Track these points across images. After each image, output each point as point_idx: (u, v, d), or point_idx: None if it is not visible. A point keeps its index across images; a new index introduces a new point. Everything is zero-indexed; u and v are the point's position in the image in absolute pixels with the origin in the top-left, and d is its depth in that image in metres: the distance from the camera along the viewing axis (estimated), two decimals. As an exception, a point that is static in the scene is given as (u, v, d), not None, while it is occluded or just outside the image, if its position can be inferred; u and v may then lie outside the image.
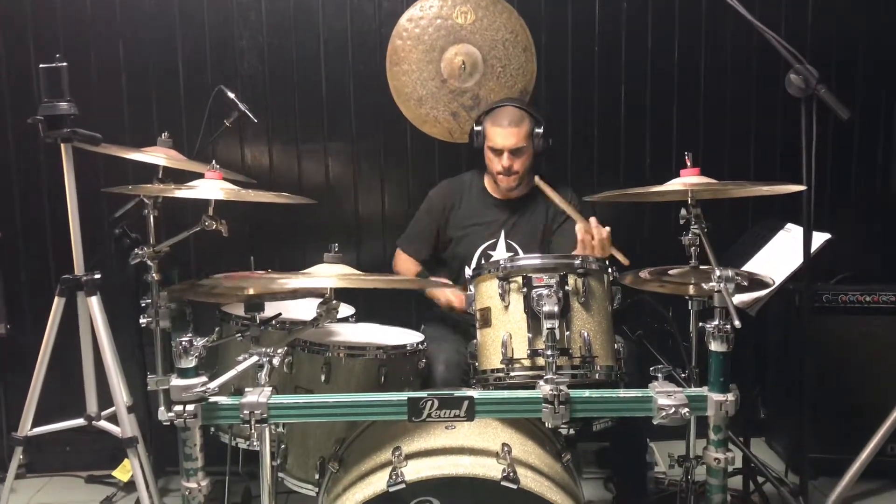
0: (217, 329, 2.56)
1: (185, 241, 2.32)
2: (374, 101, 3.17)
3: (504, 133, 2.55)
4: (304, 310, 2.33)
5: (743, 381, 1.65)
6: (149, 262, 2.17)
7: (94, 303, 1.75)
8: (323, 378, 2.07)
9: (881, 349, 2.96)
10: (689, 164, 1.88)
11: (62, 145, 1.73)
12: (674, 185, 1.87)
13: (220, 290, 2.12)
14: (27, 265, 3.12)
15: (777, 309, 3.02)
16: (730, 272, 1.57)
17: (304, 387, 2.15)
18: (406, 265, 2.79)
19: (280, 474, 2.19)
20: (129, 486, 3.03)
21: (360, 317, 2.59)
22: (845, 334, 2.98)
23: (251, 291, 2.10)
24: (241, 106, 2.70)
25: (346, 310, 2.65)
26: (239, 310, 2.31)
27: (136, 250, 2.13)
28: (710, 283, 1.60)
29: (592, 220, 2.23)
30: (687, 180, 1.86)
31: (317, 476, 2.08)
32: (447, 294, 2.50)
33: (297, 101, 3.16)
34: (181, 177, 2.51)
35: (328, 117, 3.19)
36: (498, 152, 2.57)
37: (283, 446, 2.19)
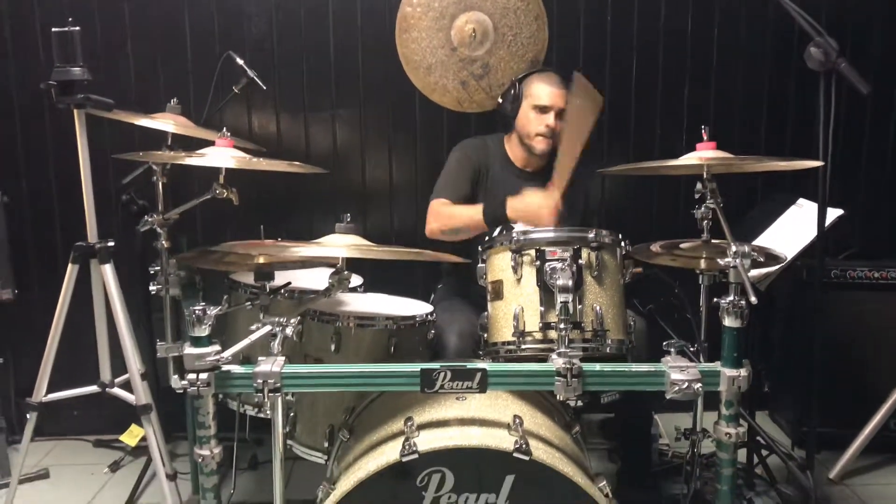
0: (226, 297, 2.56)
1: (192, 210, 2.31)
2: (383, 69, 3.13)
3: (554, 93, 2.54)
4: (313, 279, 2.33)
5: (747, 355, 1.64)
6: (158, 230, 2.16)
7: (108, 270, 1.75)
8: (333, 347, 2.07)
9: (888, 326, 2.96)
10: (705, 137, 1.86)
11: (75, 111, 1.71)
12: (690, 158, 1.86)
13: (231, 258, 2.12)
14: (34, 231, 3.12)
15: (784, 283, 3.01)
16: (746, 248, 1.57)
17: (314, 356, 2.15)
18: (449, 209, 2.57)
19: (289, 441, 2.21)
20: (137, 451, 3.08)
21: (367, 287, 2.59)
22: (853, 310, 2.98)
23: (262, 260, 2.09)
24: (249, 72, 2.68)
25: (354, 280, 2.64)
26: (248, 278, 2.31)
27: (146, 217, 2.12)
28: (726, 259, 1.59)
29: None
30: (703, 154, 1.84)
31: (326, 444, 2.09)
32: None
33: (305, 69, 3.13)
34: (189, 144, 2.49)
35: (336, 85, 3.16)
36: (545, 110, 2.54)
37: (291, 414, 2.20)
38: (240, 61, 2.67)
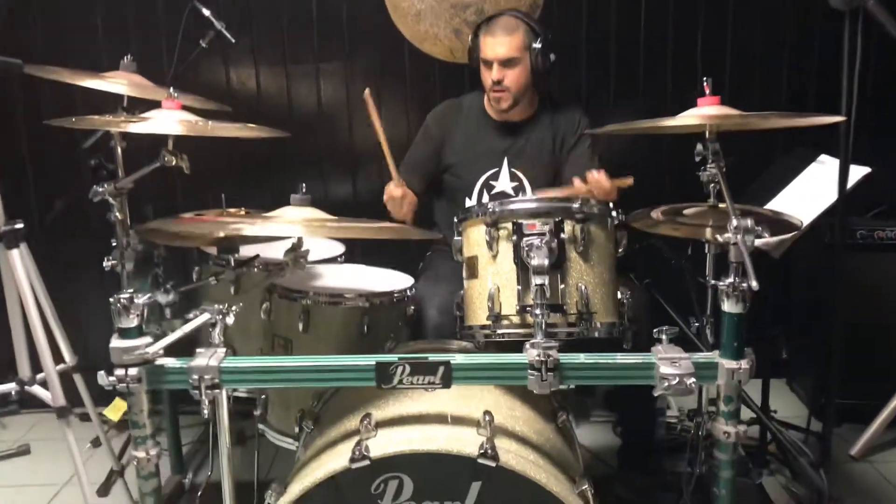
0: (196, 269, 2.41)
1: (160, 176, 2.13)
2: (369, 17, 2.90)
3: (494, 42, 2.30)
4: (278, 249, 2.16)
5: (764, 319, 1.44)
6: (111, 200, 1.98)
7: (16, 256, 1.57)
8: (301, 327, 1.91)
9: (919, 291, 2.73)
10: (707, 91, 1.62)
11: None
12: (688, 116, 1.62)
13: (186, 232, 1.94)
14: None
15: (805, 244, 2.77)
16: (748, 222, 1.35)
17: (283, 335, 2.00)
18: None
19: (260, 426, 2.08)
20: (121, 425, 2.98)
21: (351, 256, 2.41)
22: (880, 273, 2.75)
23: (220, 235, 1.91)
24: (216, 24, 2.45)
25: (336, 248, 2.47)
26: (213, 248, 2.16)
27: (96, 187, 1.94)
28: (726, 235, 1.38)
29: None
30: (704, 111, 1.60)
31: (296, 429, 1.94)
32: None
33: (285, 18, 2.91)
34: (151, 104, 2.30)
35: (319, 35, 2.93)
36: (488, 64, 2.33)
37: (263, 396, 2.06)
38: (206, 12, 2.44)
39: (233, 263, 1.98)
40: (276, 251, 2.10)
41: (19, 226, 1.62)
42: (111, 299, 1.38)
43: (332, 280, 2.13)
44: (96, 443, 2.88)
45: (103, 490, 2.53)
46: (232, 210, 2.21)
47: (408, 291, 2.05)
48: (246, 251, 2.00)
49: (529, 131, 2.45)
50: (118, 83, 2.05)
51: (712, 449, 1.49)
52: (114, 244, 2.04)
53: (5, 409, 3.10)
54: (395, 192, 2.22)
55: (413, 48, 2.94)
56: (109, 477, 2.58)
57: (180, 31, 2.50)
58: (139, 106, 2.21)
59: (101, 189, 1.96)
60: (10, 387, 1.69)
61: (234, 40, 2.48)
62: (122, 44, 2.80)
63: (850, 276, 2.67)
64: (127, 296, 1.37)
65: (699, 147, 1.61)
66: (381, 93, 2.98)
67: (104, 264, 1.99)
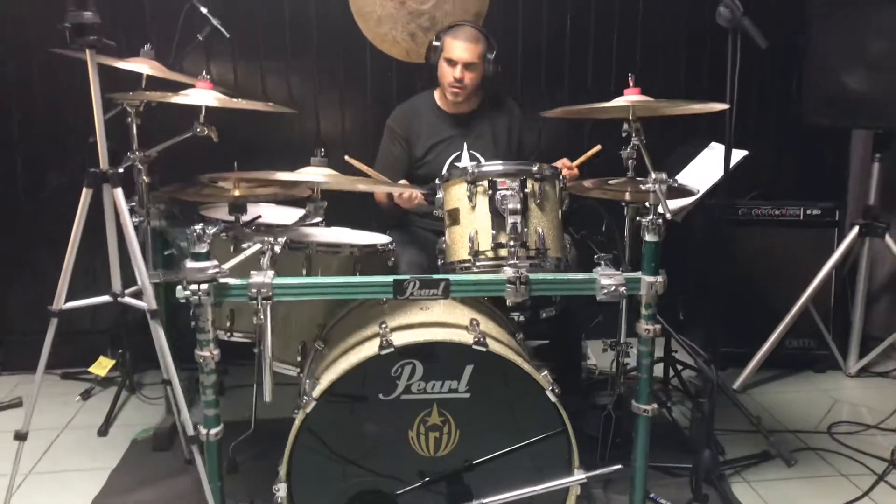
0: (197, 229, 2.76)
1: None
2: (336, 20, 3.33)
3: (461, 46, 2.79)
4: (279, 216, 2.55)
5: (668, 291, 1.96)
6: (139, 166, 2.35)
7: (119, 193, 1.93)
8: (304, 272, 2.31)
9: (787, 257, 3.40)
10: (631, 83, 2.16)
11: (87, 52, 1.83)
12: (619, 101, 2.15)
13: (208, 191, 2.31)
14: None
15: (698, 222, 3.40)
16: (663, 175, 1.88)
17: (287, 280, 2.39)
18: (382, 196, 2.96)
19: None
20: (105, 381, 3.26)
21: (330, 221, 2.82)
22: (756, 244, 3.41)
23: (237, 193, 2.30)
24: (213, 21, 2.82)
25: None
26: (217, 213, 2.52)
27: (128, 153, 2.29)
28: (647, 185, 1.91)
29: (564, 160, 2.63)
30: (629, 98, 2.14)
31: (298, 358, 2.34)
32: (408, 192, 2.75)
33: (261, 19, 3.30)
34: (160, 88, 2.64)
35: (291, 34, 3.33)
36: (453, 63, 2.81)
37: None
38: (203, 10, 2.81)
39: (240, 222, 2.38)
40: (271, 218, 2.50)
41: (121, 170, 1.97)
42: (188, 230, 1.77)
43: (325, 236, 2.54)
44: (86, 395, 3.18)
45: (103, 430, 2.85)
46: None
47: (389, 245, 2.49)
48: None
49: (478, 119, 2.97)
50: (144, 66, 2.40)
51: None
52: (132, 205, 2.40)
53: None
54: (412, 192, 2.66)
55: (374, 49, 3.39)
56: (108, 417, 2.90)
57: (179, 25, 2.85)
58: (151, 87, 2.57)
59: (132, 155, 2.32)
60: (105, 298, 2.01)
61: (227, 35, 2.86)
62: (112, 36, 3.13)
63: (733, 246, 3.32)
64: (200, 227, 1.77)
65: (625, 126, 2.14)
66: (343, 88, 3.42)
67: (133, 220, 2.35)
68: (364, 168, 2.64)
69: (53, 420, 2.95)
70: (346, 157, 2.61)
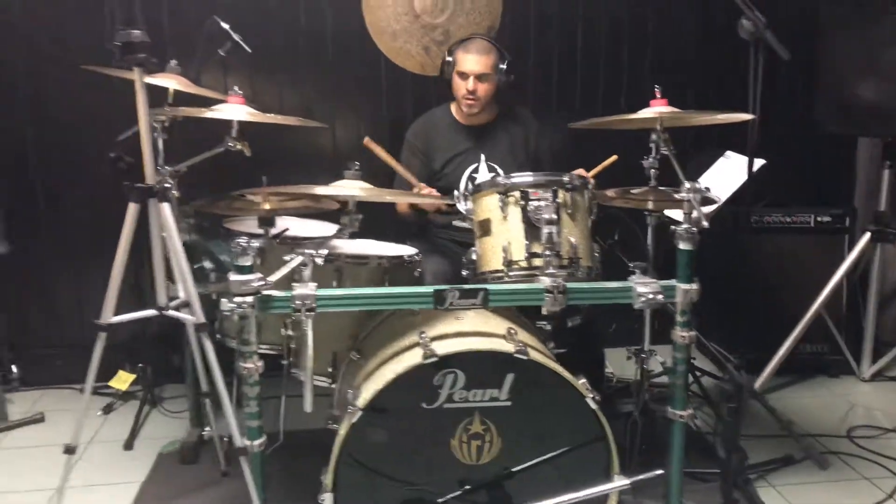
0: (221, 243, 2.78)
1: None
2: (351, 35, 3.36)
3: (473, 59, 2.84)
4: (305, 230, 2.58)
5: None
6: (169, 181, 2.36)
7: (166, 207, 1.95)
8: (335, 284, 2.33)
9: (798, 263, 3.44)
10: (658, 95, 2.21)
11: (135, 70, 1.86)
12: (646, 112, 2.20)
13: (238, 204, 2.33)
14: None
15: (714, 230, 3.43)
16: (697, 184, 1.92)
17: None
18: (404, 206, 3.03)
19: (293, 370, 2.47)
20: (127, 395, 3.26)
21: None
22: (768, 251, 3.45)
23: (267, 206, 2.32)
24: (234, 36, 2.84)
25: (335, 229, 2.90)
26: (242, 226, 2.54)
27: (158, 167, 2.31)
28: (681, 194, 1.94)
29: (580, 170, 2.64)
30: (657, 109, 2.18)
31: (330, 369, 2.36)
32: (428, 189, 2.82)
33: (278, 33, 3.33)
34: (186, 103, 2.67)
35: (307, 48, 3.37)
36: (465, 76, 2.85)
37: (292, 346, 2.44)
38: (225, 26, 2.83)
39: (269, 235, 2.40)
40: (298, 231, 2.53)
41: (168, 185, 1.99)
42: (232, 244, 1.79)
43: (353, 248, 2.56)
44: (107, 410, 3.19)
45: (129, 444, 2.86)
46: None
47: (416, 256, 2.52)
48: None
49: (494, 131, 3.00)
50: (171, 81, 2.43)
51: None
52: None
53: (9, 385, 3.33)
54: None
55: (388, 62, 3.42)
56: (133, 431, 2.90)
57: (202, 41, 2.87)
58: (177, 102, 2.59)
59: (162, 170, 2.34)
60: (151, 312, 2.02)
61: (249, 50, 2.88)
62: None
63: (746, 253, 3.36)
64: (245, 241, 1.79)
65: (653, 136, 2.18)
66: (358, 101, 3.45)
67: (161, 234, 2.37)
68: (382, 153, 2.68)
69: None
70: (366, 141, 2.65)
